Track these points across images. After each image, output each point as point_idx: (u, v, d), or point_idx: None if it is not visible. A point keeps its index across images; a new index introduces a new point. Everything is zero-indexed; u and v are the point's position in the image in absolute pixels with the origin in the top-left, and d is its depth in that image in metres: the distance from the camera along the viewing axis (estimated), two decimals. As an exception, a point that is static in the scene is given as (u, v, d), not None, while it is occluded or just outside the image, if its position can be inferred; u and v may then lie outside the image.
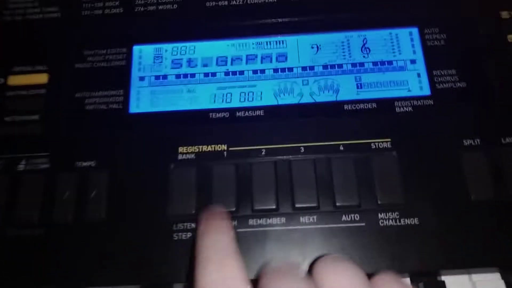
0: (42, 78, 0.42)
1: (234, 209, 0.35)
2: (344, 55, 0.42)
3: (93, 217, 0.36)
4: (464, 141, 0.37)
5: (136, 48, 0.43)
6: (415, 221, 0.34)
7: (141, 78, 0.42)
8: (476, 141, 0.37)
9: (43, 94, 0.41)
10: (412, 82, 0.40)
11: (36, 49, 0.43)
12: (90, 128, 0.40)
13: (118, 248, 0.35)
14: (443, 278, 0.34)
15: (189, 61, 0.43)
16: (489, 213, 0.34)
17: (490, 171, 0.35)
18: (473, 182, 0.35)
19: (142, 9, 0.44)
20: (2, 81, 0.42)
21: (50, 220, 0.36)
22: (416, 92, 0.40)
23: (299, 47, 0.42)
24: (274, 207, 0.35)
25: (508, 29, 0.41)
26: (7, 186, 0.38)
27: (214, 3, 0.44)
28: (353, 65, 0.41)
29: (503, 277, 0.34)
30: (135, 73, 0.42)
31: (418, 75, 0.40)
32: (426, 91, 0.39)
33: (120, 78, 0.42)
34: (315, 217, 0.35)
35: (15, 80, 0.42)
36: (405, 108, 0.39)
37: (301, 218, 0.35)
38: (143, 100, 0.41)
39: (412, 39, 0.42)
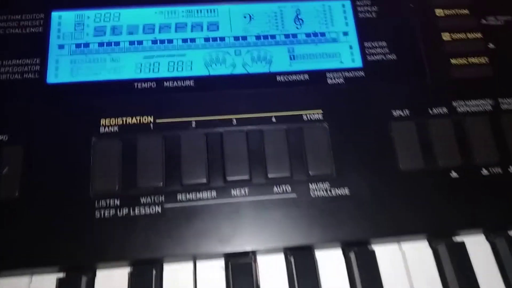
0: None
1: (161, 184, 0.34)
2: (277, 26, 0.41)
3: (4, 195, 0.33)
4: (393, 112, 0.37)
5: (55, 14, 0.40)
6: (346, 191, 0.34)
7: (60, 46, 0.39)
8: (405, 112, 0.37)
9: None
10: (344, 54, 0.40)
11: None
12: (1, 99, 0.36)
13: (33, 228, 0.32)
14: (374, 247, 0.34)
15: (113, 28, 0.40)
16: (418, 182, 0.35)
17: (419, 141, 0.36)
18: (402, 152, 0.35)
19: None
20: None
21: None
22: (348, 64, 0.39)
23: (231, 16, 0.41)
24: (204, 181, 0.34)
25: (436, 3, 0.42)
26: None
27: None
28: (286, 36, 0.40)
29: (430, 245, 0.35)
30: (53, 41, 0.39)
31: (350, 47, 0.40)
32: (358, 63, 0.39)
33: (37, 46, 0.39)
34: (246, 189, 0.34)
35: None
36: (337, 79, 0.38)
37: (232, 191, 0.34)
38: (62, 69, 0.38)
39: (344, 11, 0.41)
